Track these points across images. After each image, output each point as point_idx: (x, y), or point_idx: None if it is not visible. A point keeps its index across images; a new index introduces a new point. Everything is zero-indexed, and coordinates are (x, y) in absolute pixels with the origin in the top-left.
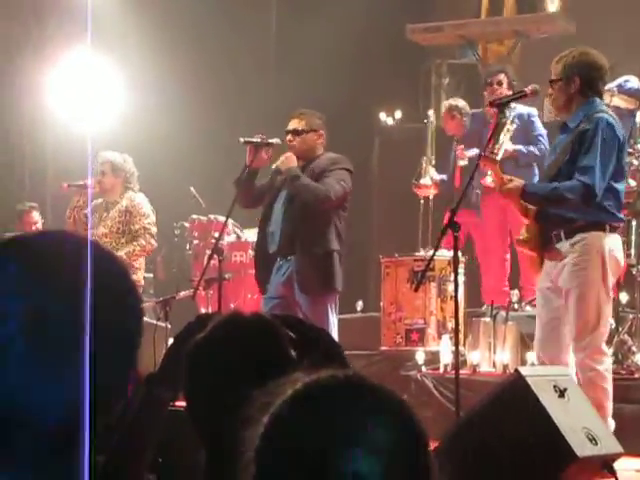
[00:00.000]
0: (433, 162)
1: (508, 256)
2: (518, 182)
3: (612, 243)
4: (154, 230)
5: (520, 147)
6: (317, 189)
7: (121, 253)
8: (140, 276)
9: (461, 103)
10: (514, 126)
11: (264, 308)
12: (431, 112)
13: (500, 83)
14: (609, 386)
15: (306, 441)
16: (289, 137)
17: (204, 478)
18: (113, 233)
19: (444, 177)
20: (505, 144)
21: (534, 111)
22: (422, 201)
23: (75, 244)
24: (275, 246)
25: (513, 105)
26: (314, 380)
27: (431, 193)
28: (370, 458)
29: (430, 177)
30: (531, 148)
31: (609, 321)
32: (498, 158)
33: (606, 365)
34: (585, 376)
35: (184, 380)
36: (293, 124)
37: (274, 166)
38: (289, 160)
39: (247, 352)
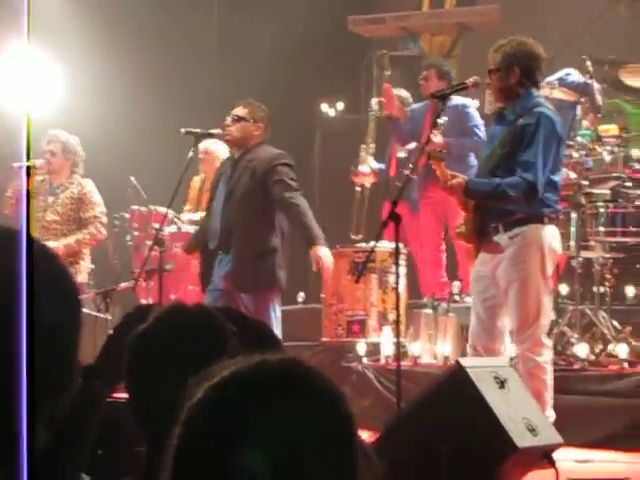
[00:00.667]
0: (372, 150)
1: (443, 247)
2: (461, 178)
3: (550, 234)
4: (105, 219)
5: (450, 139)
6: (306, 214)
7: (70, 240)
8: (87, 262)
9: (404, 93)
10: (443, 120)
11: (207, 300)
12: (375, 100)
13: (426, 78)
14: (549, 378)
15: (219, 429)
16: (228, 121)
17: (144, 469)
18: (64, 220)
19: (382, 166)
20: (435, 138)
21: (469, 102)
22: (359, 189)
23: (6, 237)
24: (215, 242)
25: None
26: (238, 368)
27: (368, 181)
28: (280, 446)
29: (368, 165)
30: (461, 139)
31: (550, 313)
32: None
33: (546, 357)
34: (525, 368)
35: (125, 371)
36: (236, 111)
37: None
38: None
39: (189, 343)
